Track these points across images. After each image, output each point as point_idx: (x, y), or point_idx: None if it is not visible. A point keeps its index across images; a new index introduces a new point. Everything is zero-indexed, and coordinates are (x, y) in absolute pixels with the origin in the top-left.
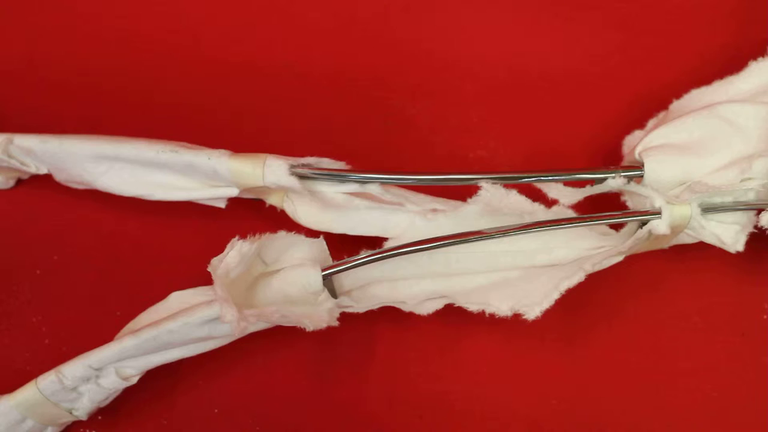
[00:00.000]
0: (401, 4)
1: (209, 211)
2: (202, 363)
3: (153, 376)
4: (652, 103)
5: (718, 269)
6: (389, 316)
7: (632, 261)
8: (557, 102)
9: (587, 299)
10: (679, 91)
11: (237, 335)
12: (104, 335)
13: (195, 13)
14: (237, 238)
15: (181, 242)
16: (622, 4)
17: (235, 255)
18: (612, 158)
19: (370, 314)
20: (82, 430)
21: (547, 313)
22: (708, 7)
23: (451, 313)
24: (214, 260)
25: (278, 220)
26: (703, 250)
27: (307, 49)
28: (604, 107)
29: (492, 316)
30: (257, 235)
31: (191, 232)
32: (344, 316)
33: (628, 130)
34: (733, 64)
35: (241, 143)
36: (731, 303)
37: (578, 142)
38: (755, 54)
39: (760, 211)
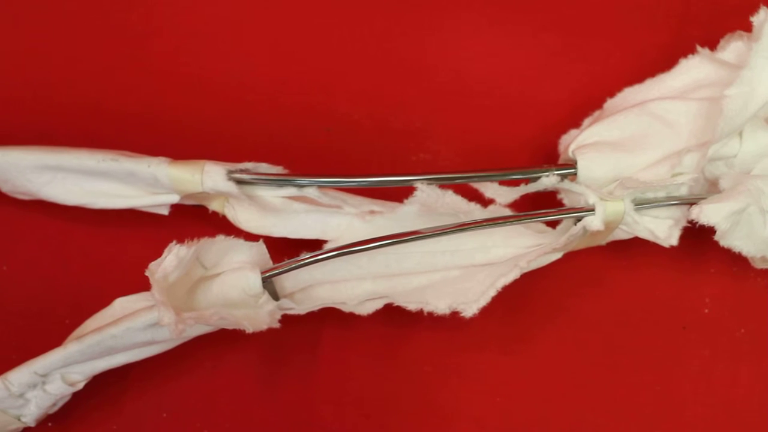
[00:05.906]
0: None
1: (154, 219)
2: (150, 368)
3: (102, 382)
4: (592, 103)
5: (659, 264)
6: (333, 317)
7: (573, 258)
8: (499, 104)
9: (530, 297)
10: (618, 91)
11: (176, 338)
12: (53, 343)
13: (141, 27)
14: (174, 242)
15: (126, 249)
16: (560, 6)
17: (172, 259)
18: (553, 158)
19: (315, 316)
20: None
21: (491, 312)
22: (646, 7)
23: (396, 313)
24: (152, 264)
25: (221, 226)
26: (643, 246)
27: (249, 57)
28: (545, 108)
29: (434, 315)
30: (195, 240)
31: (136, 239)
32: (290, 319)
33: (569, 131)
34: (671, 63)
35: (183, 152)
36: (672, 297)
37: (521, 144)
38: (691, 53)
39: (692, 205)
